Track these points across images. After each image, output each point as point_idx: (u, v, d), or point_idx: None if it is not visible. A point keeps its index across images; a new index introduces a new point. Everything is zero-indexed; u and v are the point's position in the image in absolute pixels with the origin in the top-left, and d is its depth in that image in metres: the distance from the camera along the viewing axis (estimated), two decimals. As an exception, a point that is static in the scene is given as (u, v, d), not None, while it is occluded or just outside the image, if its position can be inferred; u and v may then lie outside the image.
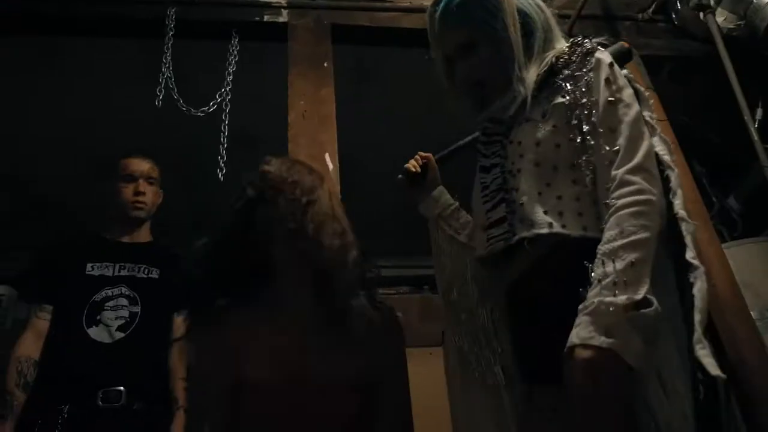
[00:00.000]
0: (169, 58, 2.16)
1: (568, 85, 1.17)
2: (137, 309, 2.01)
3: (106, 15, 2.27)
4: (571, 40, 1.27)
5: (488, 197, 1.24)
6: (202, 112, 2.12)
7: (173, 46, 2.20)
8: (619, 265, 0.95)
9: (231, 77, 2.21)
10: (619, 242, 0.97)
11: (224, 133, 2.08)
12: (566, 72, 1.19)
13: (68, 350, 1.92)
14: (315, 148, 2.09)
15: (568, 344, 0.94)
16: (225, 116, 2.12)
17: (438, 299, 1.43)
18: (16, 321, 3.38)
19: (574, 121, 1.13)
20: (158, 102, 2.08)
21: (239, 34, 2.30)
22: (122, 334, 1.96)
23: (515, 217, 1.16)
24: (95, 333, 1.94)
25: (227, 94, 2.16)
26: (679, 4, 2.56)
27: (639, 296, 0.92)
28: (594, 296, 0.95)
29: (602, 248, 0.99)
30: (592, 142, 1.10)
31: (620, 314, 0.91)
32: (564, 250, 1.09)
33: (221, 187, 2.05)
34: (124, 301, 2.01)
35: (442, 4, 1.30)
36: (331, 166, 2.06)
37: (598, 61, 1.17)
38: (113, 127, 3.00)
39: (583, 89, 1.15)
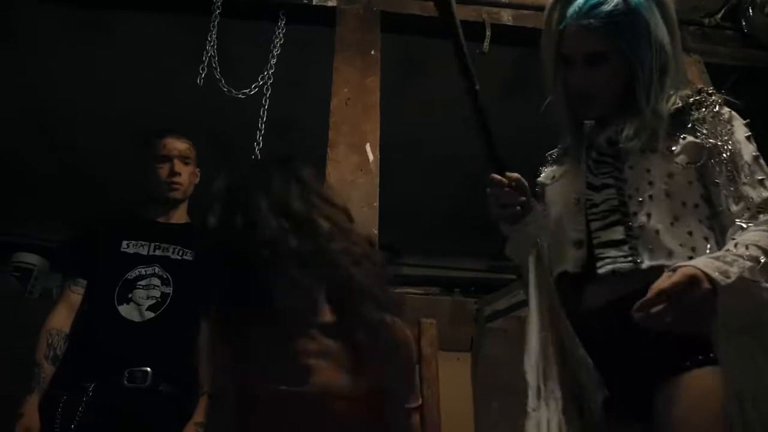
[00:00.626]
0: (214, 37, 2.12)
1: (703, 129, 1.20)
2: (169, 290, 1.97)
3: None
4: (698, 87, 1.31)
5: (597, 216, 1.23)
6: (243, 94, 2.08)
7: (219, 25, 2.16)
8: (753, 252, 1.01)
9: (275, 60, 2.15)
10: (758, 242, 1.03)
11: (262, 118, 2.02)
12: (698, 115, 1.21)
13: (98, 326, 1.89)
14: (356, 137, 2.03)
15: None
16: (265, 100, 2.07)
17: (470, 303, 1.42)
18: (45, 291, 3.43)
19: (715, 167, 1.17)
20: (200, 81, 2.03)
21: (286, 16, 2.25)
22: (152, 314, 1.92)
23: (640, 243, 1.15)
24: (126, 311, 1.91)
25: (269, 78, 2.10)
26: (750, 11, 2.42)
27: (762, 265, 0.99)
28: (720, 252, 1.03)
29: (738, 238, 1.06)
30: (728, 189, 1.15)
31: (742, 265, 0.97)
32: None
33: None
34: (156, 281, 1.98)
35: (585, 3, 1.23)
36: (371, 157, 1.99)
37: (733, 116, 1.21)
38: (155, 102, 2.98)
39: (725, 137, 1.17)
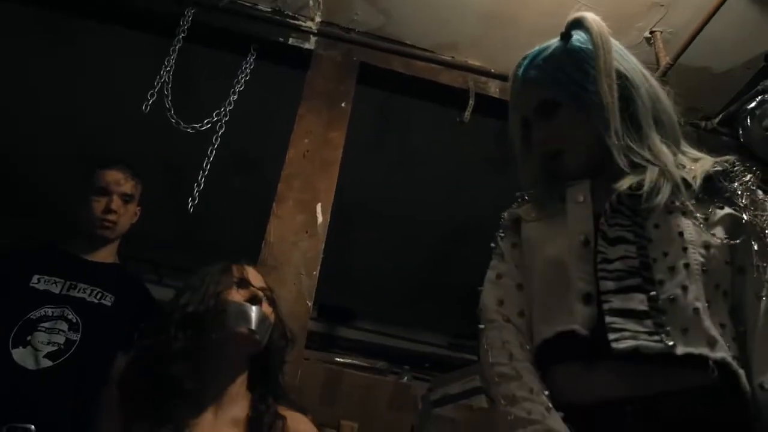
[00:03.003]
0: (172, 62, 1.93)
1: (742, 200, 1.01)
2: (76, 337, 1.72)
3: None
4: (731, 158, 1.10)
5: (610, 275, 0.97)
6: (193, 128, 1.87)
7: (182, 50, 1.97)
8: None
9: (235, 96, 1.96)
10: None
11: (209, 158, 1.82)
12: (733, 185, 1.03)
13: None
14: (308, 194, 1.83)
15: None
16: (216, 138, 1.87)
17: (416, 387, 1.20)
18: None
19: (752, 249, 0.98)
20: (146, 107, 1.83)
21: (257, 51, 2.08)
22: (50, 363, 1.67)
23: (669, 320, 0.92)
24: (19, 355, 1.65)
25: (225, 115, 1.91)
26: (749, 121, 2.30)
27: None
28: None
29: None
30: (757, 278, 0.97)
31: None
32: (719, 400, 0.89)
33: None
34: (63, 325, 1.72)
35: (527, 59, 1.16)
36: (320, 219, 1.79)
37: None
38: (109, 121, 2.78)
39: (762, 215, 1.00)
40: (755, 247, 0.98)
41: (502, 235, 1.18)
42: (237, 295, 1.28)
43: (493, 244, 1.20)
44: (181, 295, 1.30)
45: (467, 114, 2.15)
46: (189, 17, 2.00)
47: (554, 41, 1.14)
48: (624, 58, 1.12)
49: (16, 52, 2.60)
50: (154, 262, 3.27)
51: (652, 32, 2.17)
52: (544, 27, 1.13)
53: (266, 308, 1.29)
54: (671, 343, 0.88)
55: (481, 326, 1.07)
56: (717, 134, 2.40)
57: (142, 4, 2.07)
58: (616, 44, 1.12)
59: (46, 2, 2.17)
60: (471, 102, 2.15)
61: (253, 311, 1.24)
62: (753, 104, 2.30)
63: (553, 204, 1.11)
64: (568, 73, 1.09)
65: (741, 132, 2.35)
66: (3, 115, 2.90)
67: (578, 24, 1.13)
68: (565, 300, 0.98)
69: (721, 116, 2.38)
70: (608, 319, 0.92)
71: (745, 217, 1.00)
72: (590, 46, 1.09)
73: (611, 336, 0.90)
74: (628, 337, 0.90)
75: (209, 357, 1.24)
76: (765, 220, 1.00)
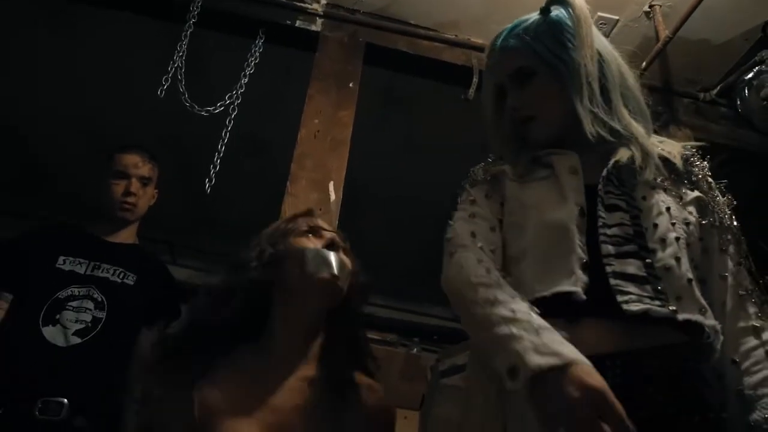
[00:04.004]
0: (184, 47, 1.98)
1: (704, 184, 1.12)
2: (102, 315, 1.79)
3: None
4: (690, 143, 1.22)
5: (610, 240, 1.02)
6: (207, 111, 1.93)
7: (192, 35, 2.02)
8: None
9: (246, 79, 2.02)
10: None
11: (223, 140, 1.88)
12: (697, 170, 1.14)
13: (17, 347, 1.71)
14: (320, 173, 1.89)
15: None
16: (229, 121, 1.93)
17: (425, 359, 1.25)
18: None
19: (713, 230, 1.09)
20: (161, 92, 1.89)
21: (266, 34, 2.12)
22: (79, 340, 1.74)
23: (666, 286, 0.98)
24: (50, 333, 1.73)
25: (237, 98, 1.97)
26: (747, 91, 2.34)
27: None
28: None
29: None
30: (736, 267, 1.07)
31: None
32: (695, 359, 0.97)
33: (215, 191, 1.87)
34: (89, 304, 1.80)
35: (506, 30, 1.20)
36: (333, 197, 1.85)
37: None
38: (122, 107, 2.83)
39: (719, 200, 1.11)
40: (714, 231, 1.09)
41: (472, 185, 1.20)
42: (312, 242, 1.19)
43: (459, 193, 1.22)
44: (249, 252, 1.21)
45: (471, 91, 2.20)
46: (198, 2, 2.04)
47: (534, 15, 1.19)
48: (599, 37, 1.18)
49: (30, 41, 2.64)
50: (168, 242, 3.35)
51: (651, 6, 2.20)
52: (542, 2, 1.19)
53: (344, 256, 1.20)
54: (674, 308, 0.94)
55: (451, 251, 1.08)
56: (715, 105, 2.44)
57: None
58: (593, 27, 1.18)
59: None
60: (475, 80, 2.19)
61: (332, 256, 1.15)
62: (750, 75, 2.34)
63: (533, 168, 1.16)
64: (545, 43, 1.14)
65: (739, 102, 2.40)
66: (21, 103, 2.96)
67: (561, 1, 1.18)
68: (566, 263, 1.00)
69: (719, 87, 2.43)
70: (613, 281, 0.96)
71: (708, 200, 1.10)
72: (569, 21, 1.14)
73: (620, 298, 0.94)
74: (635, 300, 0.94)
75: (286, 309, 1.17)
76: (722, 204, 1.11)
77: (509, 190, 1.15)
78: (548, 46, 1.13)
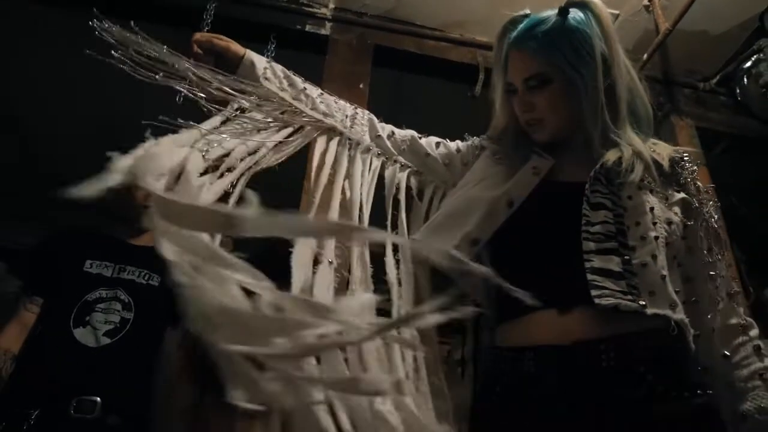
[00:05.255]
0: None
1: (692, 187, 1.20)
2: (130, 315, 1.86)
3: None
4: (681, 148, 1.29)
5: (592, 237, 1.09)
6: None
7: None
8: None
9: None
10: None
11: (241, 142, 1.94)
12: (686, 173, 1.21)
13: (49, 349, 1.78)
14: (335, 173, 1.95)
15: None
16: (246, 124, 1.99)
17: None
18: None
19: (699, 232, 1.17)
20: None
21: (277, 39, 2.19)
22: (109, 340, 1.80)
23: (640, 282, 1.05)
24: (81, 335, 1.79)
25: (253, 101, 2.03)
26: (746, 80, 2.40)
27: None
28: None
29: None
30: (718, 268, 1.16)
31: None
32: (675, 346, 1.05)
33: None
34: (117, 305, 1.87)
35: (522, 26, 1.18)
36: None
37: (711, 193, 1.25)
38: (127, 107, 2.90)
39: (707, 203, 1.19)
40: (700, 233, 1.17)
41: (472, 142, 1.39)
42: None
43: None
44: None
45: (478, 88, 2.26)
46: (212, 11, 2.11)
47: (551, 14, 1.17)
48: (616, 44, 1.20)
49: (58, 56, 2.72)
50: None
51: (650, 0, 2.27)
52: (548, 3, 1.21)
53: None
54: (643, 303, 1.01)
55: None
56: (715, 94, 2.50)
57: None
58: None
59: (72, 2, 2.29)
60: (481, 77, 2.26)
61: None
62: (749, 63, 2.39)
63: (513, 157, 1.24)
64: (565, 53, 1.13)
65: (738, 91, 2.46)
66: (39, 111, 3.04)
67: (580, 4, 1.17)
68: (455, 233, 1.16)
69: (718, 77, 2.48)
70: (590, 276, 1.04)
71: (695, 203, 1.18)
72: (588, 29, 1.14)
73: (594, 293, 1.02)
74: (608, 294, 1.02)
75: None
76: (710, 207, 1.19)
77: (480, 161, 1.29)
78: (568, 57, 1.13)
